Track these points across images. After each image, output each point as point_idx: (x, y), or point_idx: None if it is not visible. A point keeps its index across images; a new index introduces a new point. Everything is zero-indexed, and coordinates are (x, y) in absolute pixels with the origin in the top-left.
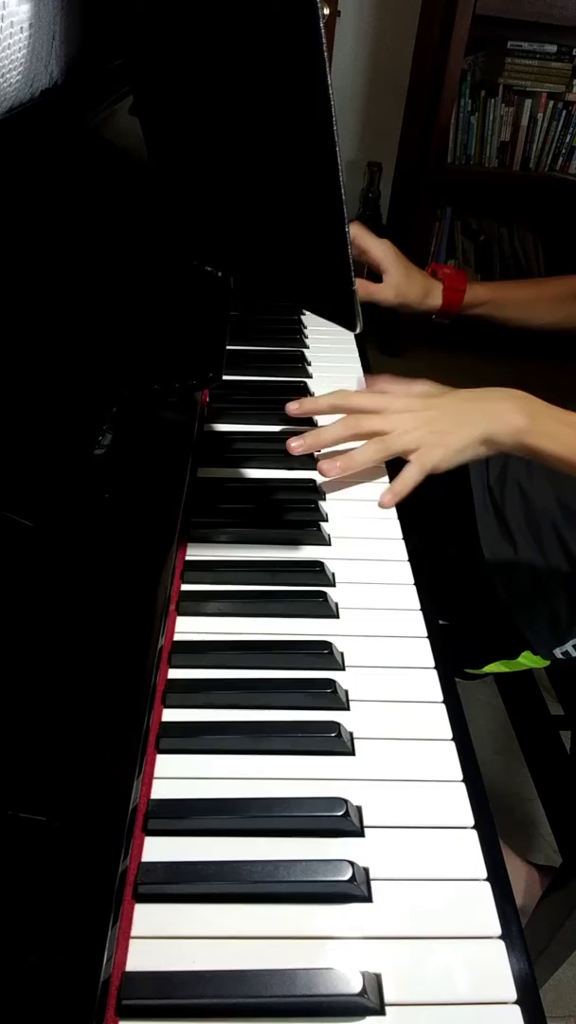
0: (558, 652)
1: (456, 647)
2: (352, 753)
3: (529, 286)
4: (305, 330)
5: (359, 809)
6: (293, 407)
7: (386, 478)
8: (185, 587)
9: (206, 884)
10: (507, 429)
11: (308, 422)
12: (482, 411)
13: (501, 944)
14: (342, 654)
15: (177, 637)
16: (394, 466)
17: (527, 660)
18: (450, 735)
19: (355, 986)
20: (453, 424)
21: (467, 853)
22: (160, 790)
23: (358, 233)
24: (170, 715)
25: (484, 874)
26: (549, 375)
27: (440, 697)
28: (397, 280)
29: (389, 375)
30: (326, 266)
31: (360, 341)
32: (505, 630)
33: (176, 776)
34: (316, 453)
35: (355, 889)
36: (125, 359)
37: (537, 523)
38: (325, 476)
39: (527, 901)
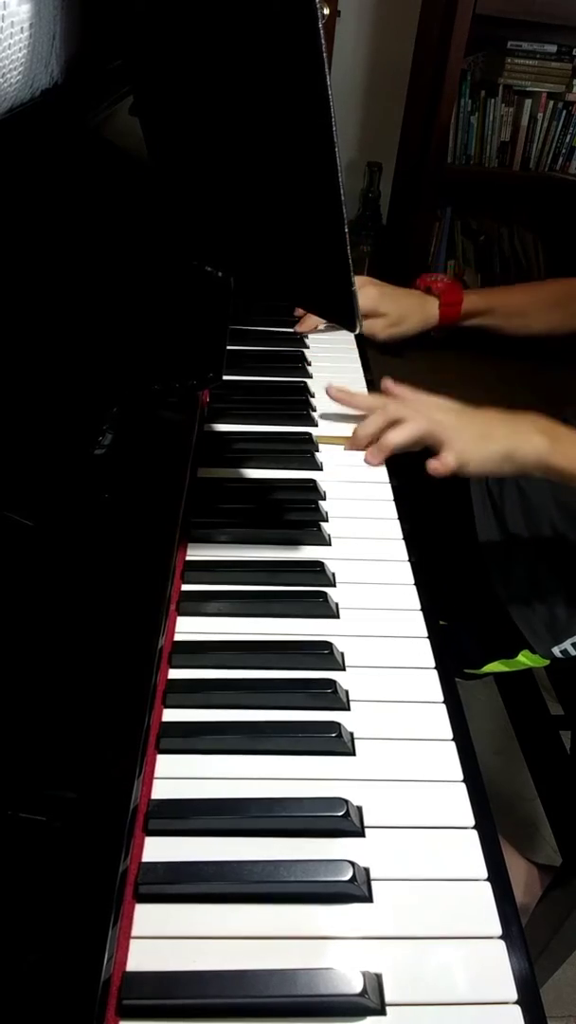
0: (556, 651)
1: (455, 647)
2: (352, 753)
3: (523, 292)
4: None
5: (359, 809)
6: (334, 390)
7: (387, 480)
8: (185, 587)
9: (206, 884)
10: (531, 448)
11: (300, 414)
12: (504, 428)
13: (501, 944)
14: (342, 654)
15: (177, 637)
16: (392, 464)
17: (526, 659)
18: (450, 735)
19: (356, 986)
20: (478, 437)
21: (467, 853)
22: (160, 790)
23: None
24: (170, 715)
25: (484, 874)
26: (548, 376)
27: (440, 697)
28: (395, 316)
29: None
30: (326, 266)
31: (360, 341)
32: (504, 629)
33: (176, 776)
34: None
35: (355, 889)
36: (125, 359)
37: (535, 522)
38: (372, 464)
39: (527, 899)
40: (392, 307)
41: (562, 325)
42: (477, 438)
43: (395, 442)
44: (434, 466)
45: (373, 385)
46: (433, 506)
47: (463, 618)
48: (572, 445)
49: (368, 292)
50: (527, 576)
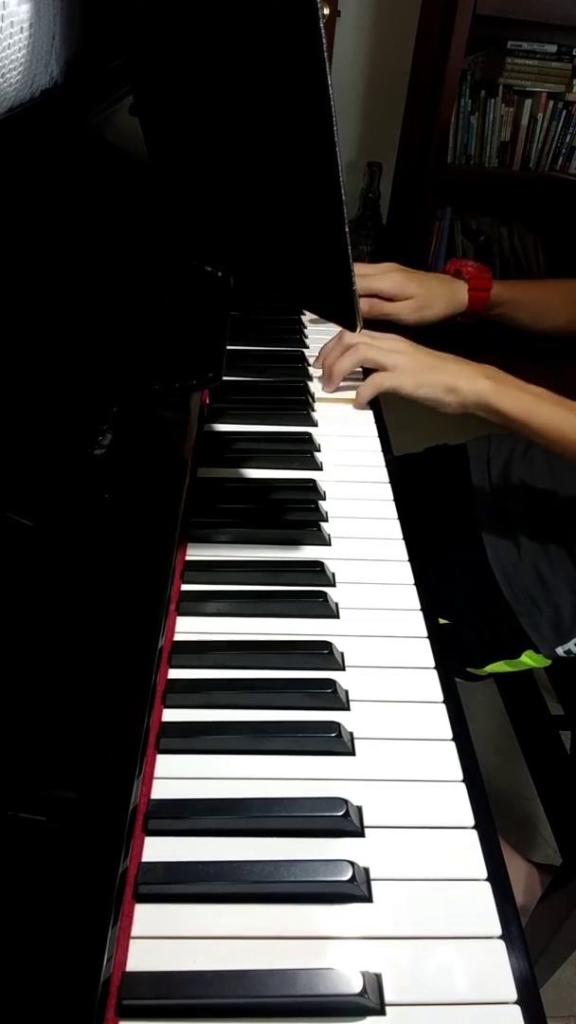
0: (560, 651)
1: (458, 647)
2: (352, 753)
3: (542, 286)
4: (305, 330)
5: (359, 809)
6: (328, 389)
7: (387, 480)
8: (185, 587)
9: (206, 884)
10: (473, 387)
11: (296, 391)
12: (456, 367)
13: (501, 944)
14: (342, 654)
15: (177, 637)
16: (392, 464)
17: (529, 659)
18: (450, 735)
19: (355, 986)
20: (425, 365)
21: (467, 853)
22: (160, 790)
23: (360, 276)
24: (170, 715)
25: (484, 874)
26: (548, 375)
27: (440, 697)
28: (423, 299)
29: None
30: (326, 266)
31: None
32: (507, 629)
33: (176, 776)
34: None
35: (355, 889)
36: (125, 359)
37: (540, 521)
38: (328, 391)
39: (527, 900)
40: (419, 290)
41: (568, 324)
42: (422, 367)
43: (342, 367)
44: (369, 383)
45: None
46: (436, 506)
47: (466, 618)
48: (515, 390)
49: (393, 277)
50: (532, 575)
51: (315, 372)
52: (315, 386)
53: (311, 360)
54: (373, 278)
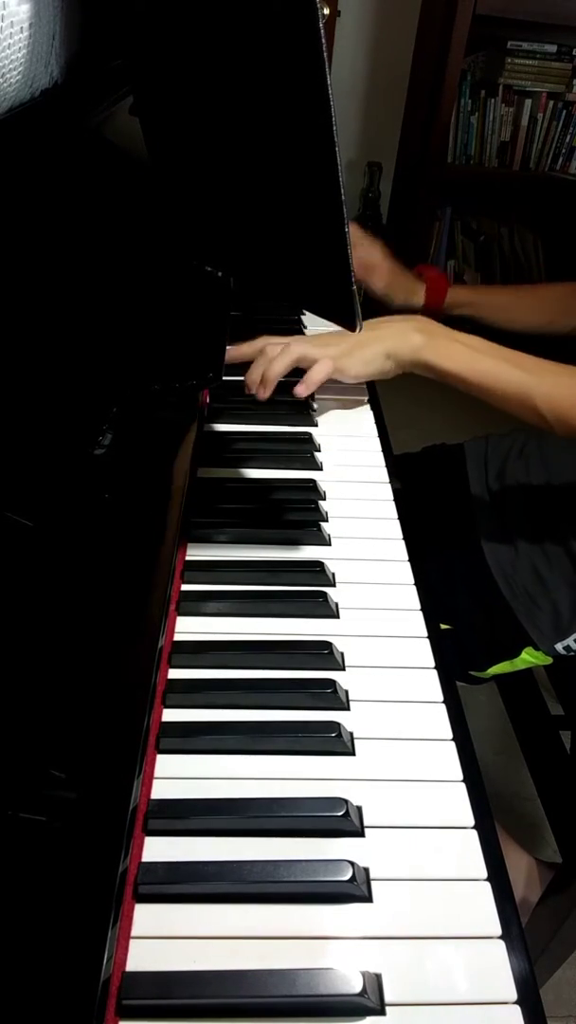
0: (560, 647)
1: (460, 650)
2: (352, 753)
3: (511, 292)
4: (305, 330)
5: (359, 809)
6: (264, 395)
7: (387, 480)
8: (185, 587)
9: (206, 884)
10: (407, 346)
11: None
12: (387, 329)
13: (501, 944)
14: (342, 654)
15: (177, 637)
16: (392, 465)
17: (529, 656)
18: (450, 735)
19: (355, 986)
20: (356, 342)
21: (467, 853)
22: (160, 790)
23: (353, 231)
24: (170, 715)
25: (484, 874)
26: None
27: (440, 697)
28: (388, 277)
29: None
30: (326, 266)
31: None
32: (506, 628)
33: (176, 776)
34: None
35: (355, 889)
36: (125, 359)
37: (536, 519)
38: (262, 397)
39: (529, 894)
40: (390, 269)
41: (549, 324)
42: (353, 346)
43: (276, 371)
44: (303, 382)
45: (372, 384)
46: (434, 506)
47: (465, 618)
48: (447, 341)
49: (369, 246)
50: (530, 573)
51: None
52: None
53: None
54: (361, 237)
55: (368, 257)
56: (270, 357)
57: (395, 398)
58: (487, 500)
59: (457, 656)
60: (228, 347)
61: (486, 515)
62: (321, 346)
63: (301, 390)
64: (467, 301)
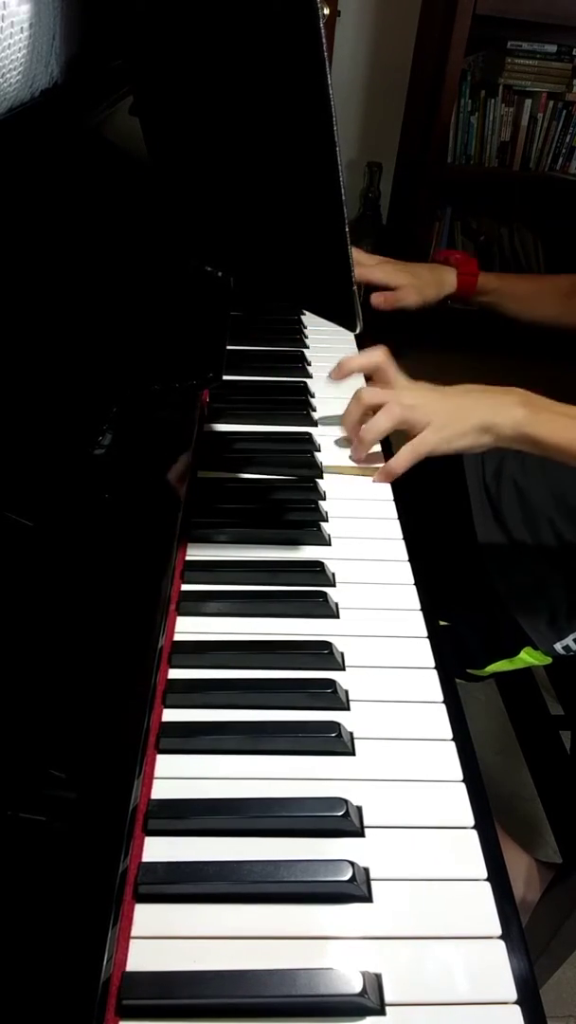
0: (559, 647)
1: (458, 648)
2: (352, 753)
3: (534, 279)
4: (305, 330)
5: (359, 809)
6: (361, 455)
7: (388, 486)
8: (185, 587)
9: (206, 884)
10: (508, 419)
11: (296, 412)
12: (484, 402)
13: (501, 944)
14: (342, 654)
15: (177, 637)
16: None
17: (528, 656)
18: (450, 735)
19: (355, 986)
20: (454, 410)
21: (467, 853)
22: (160, 790)
23: (359, 256)
24: (170, 715)
25: (484, 874)
26: (550, 374)
27: (440, 697)
28: (413, 285)
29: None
30: (326, 266)
31: (360, 341)
32: (504, 627)
33: (176, 776)
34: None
35: (355, 889)
36: (125, 359)
37: (533, 519)
38: (359, 462)
39: (529, 894)
40: (410, 278)
41: (569, 315)
42: (453, 414)
43: (372, 437)
44: (390, 464)
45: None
46: (432, 506)
47: (465, 618)
48: (551, 414)
49: (384, 267)
50: (528, 573)
51: (315, 372)
52: (315, 386)
53: (311, 360)
54: (367, 268)
55: (386, 280)
56: (366, 403)
57: None
58: (484, 499)
59: (455, 653)
60: (338, 367)
61: (483, 514)
62: (417, 407)
63: (380, 479)
64: (494, 287)
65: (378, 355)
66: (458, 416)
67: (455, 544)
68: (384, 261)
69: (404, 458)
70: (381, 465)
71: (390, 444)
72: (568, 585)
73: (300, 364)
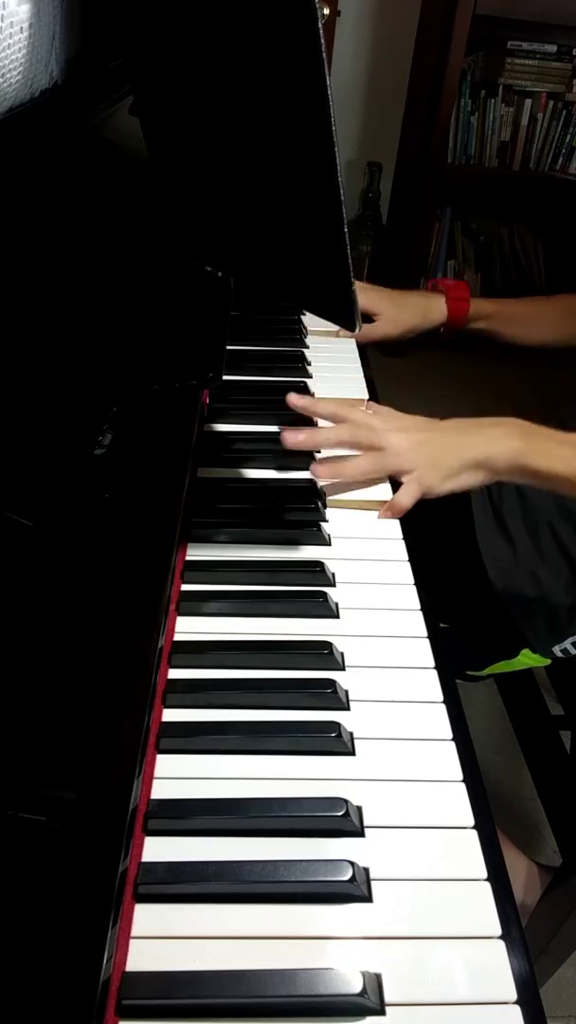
0: (557, 650)
1: (457, 650)
2: (352, 753)
3: (532, 302)
4: (305, 330)
5: (359, 809)
6: (294, 398)
7: (388, 486)
8: (185, 587)
9: (206, 884)
10: (503, 451)
11: (305, 421)
12: (477, 436)
13: (501, 944)
14: (342, 654)
15: (177, 637)
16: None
17: (527, 658)
18: (450, 735)
19: (355, 986)
20: (449, 448)
21: (467, 853)
22: (160, 790)
23: None
24: (170, 715)
25: (484, 874)
26: (549, 378)
27: (440, 697)
28: (391, 314)
29: (387, 407)
30: (325, 266)
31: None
32: (503, 629)
33: (176, 776)
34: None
35: (355, 889)
36: (125, 359)
37: (534, 523)
38: (316, 477)
39: (528, 897)
40: (390, 305)
41: (571, 338)
42: (440, 456)
43: (358, 470)
44: (393, 503)
45: (373, 384)
46: (432, 508)
47: (463, 619)
48: (547, 442)
49: (367, 294)
50: (527, 576)
51: (315, 372)
52: (315, 386)
53: (311, 360)
54: None
55: (367, 307)
56: (355, 439)
57: (395, 397)
58: (484, 501)
59: (454, 655)
60: (308, 397)
61: (484, 516)
62: (403, 453)
63: (387, 516)
64: (488, 313)
65: (344, 410)
66: (450, 454)
67: (454, 545)
68: (370, 288)
69: (406, 499)
70: (387, 500)
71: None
72: (568, 590)
73: (300, 364)
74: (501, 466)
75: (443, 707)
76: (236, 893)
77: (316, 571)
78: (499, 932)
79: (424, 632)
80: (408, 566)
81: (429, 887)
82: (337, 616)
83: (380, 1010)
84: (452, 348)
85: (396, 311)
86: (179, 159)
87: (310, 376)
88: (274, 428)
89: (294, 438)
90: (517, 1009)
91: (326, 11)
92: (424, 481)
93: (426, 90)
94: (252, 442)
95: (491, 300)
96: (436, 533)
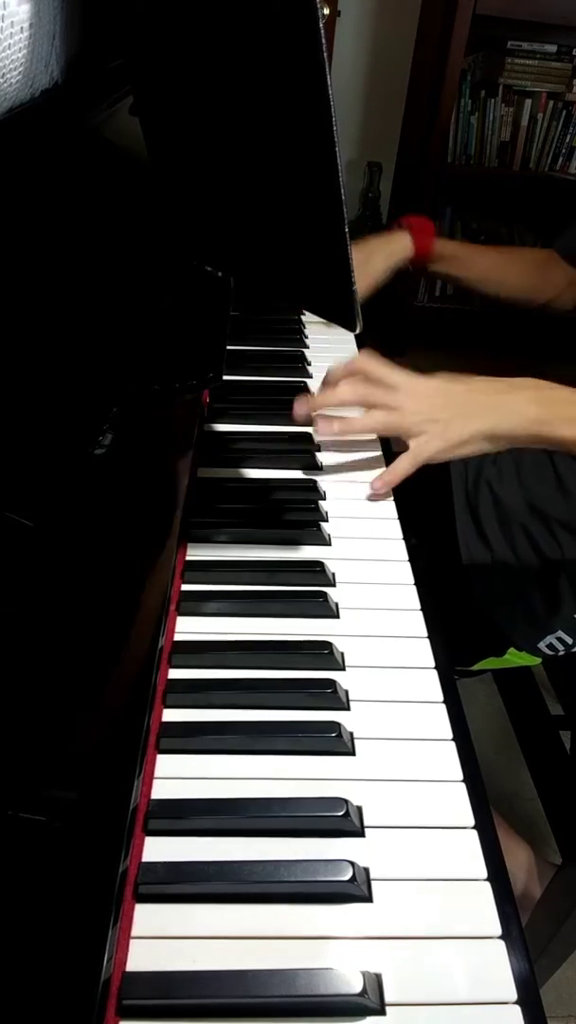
0: (542, 646)
1: (446, 647)
2: (352, 753)
3: (502, 249)
4: (305, 330)
5: (359, 809)
6: (300, 408)
7: (379, 451)
8: (185, 587)
9: (206, 884)
10: (520, 421)
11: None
12: (492, 405)
13: (501, 944)
14: (342, 654)
15: (177, 637)
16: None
17: (515, 657)
18: (450, 735)
19: (355, 986)
20: (458, 416)
21: (467, 853)
22: (160, 790)
23: None
24: (170, 715)
25: (484, 874)
26: (551, 375)
27: (440, 697)
28: (361, 266)
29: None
30: (326, 266)
31: (360, 341)
32: (487, 629)
33: (176, 776)
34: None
35: (355, 889)
36: (125, 359)
37: (508, 523)
38: (320, 434)
39: (530, 886)
40: (356, 257)
41: (534, 289)
42: (451, 425)
43: (356, 429)
44: (391, 472)
45: None
46: (415, 509)
47: (448, 618)
48: (567, 407)
49: None
50: (504, 576)
51: (315, 372)
52: (315, 386)
53: (311, 360)
54: None
55: None
56: (368, 399)
57: None
58: (464, 503)
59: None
60: (311, 400)
61: (464, 518)
62: (412, 412)
63: (379, 485)
64: (453, 254)
65: (361, 362)
66: (460, 423)
67: (439, 548)
68: None
69: (403, 467)
70: (379, 471)
71: (390, 448)
72: (542, 588)
73: (300, 364)
74: (518, 435)
75: (443, 707)
76: (236, 893)
77: (316, 571)
78: (499, 932)
79: (424, 632)
80: (408, 566)
81: (429, 887)
82: (337, 616)
83: (380, 1010)
84: (452, 348)
85: (364, 260)
86: (179, 160)
87: (310, 376)
88: (274, 428)
89: (302, 405)
90: (517, 1009)
91: (326, 11)
92: (424, 451)
93: (426, 90)
94: (252, 442)
95: (459, 243)
96: (421, 531)
